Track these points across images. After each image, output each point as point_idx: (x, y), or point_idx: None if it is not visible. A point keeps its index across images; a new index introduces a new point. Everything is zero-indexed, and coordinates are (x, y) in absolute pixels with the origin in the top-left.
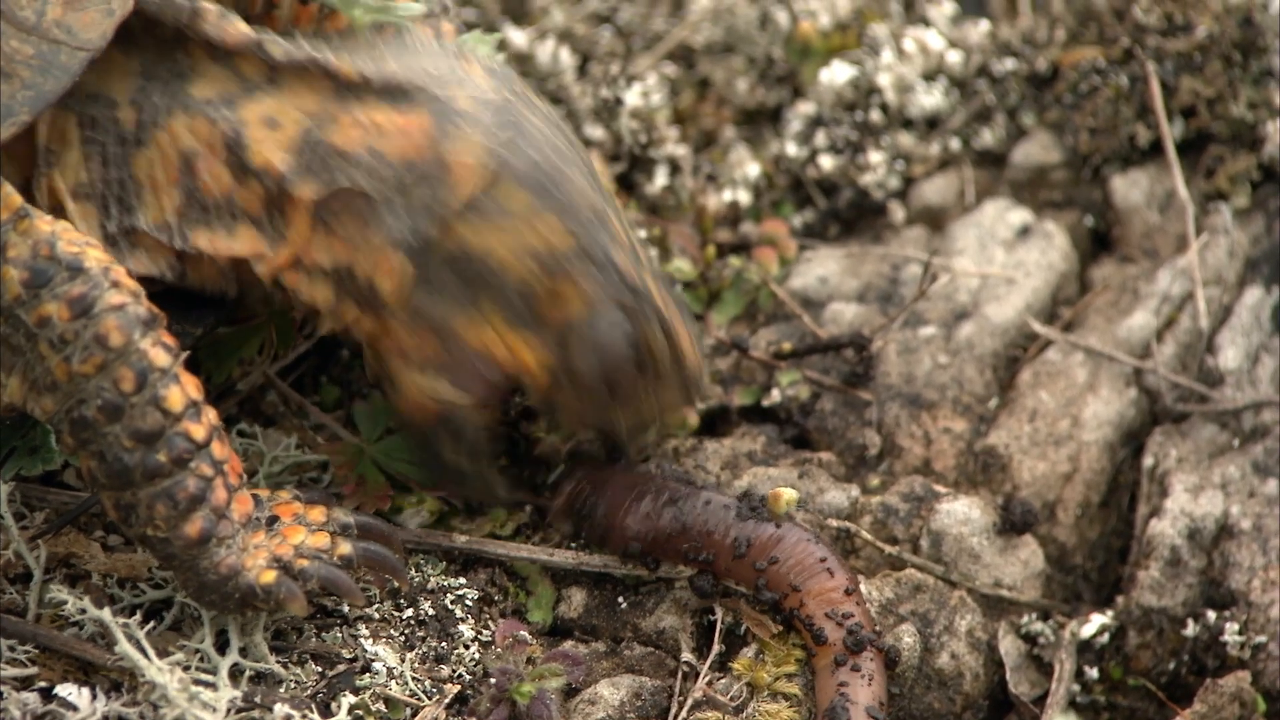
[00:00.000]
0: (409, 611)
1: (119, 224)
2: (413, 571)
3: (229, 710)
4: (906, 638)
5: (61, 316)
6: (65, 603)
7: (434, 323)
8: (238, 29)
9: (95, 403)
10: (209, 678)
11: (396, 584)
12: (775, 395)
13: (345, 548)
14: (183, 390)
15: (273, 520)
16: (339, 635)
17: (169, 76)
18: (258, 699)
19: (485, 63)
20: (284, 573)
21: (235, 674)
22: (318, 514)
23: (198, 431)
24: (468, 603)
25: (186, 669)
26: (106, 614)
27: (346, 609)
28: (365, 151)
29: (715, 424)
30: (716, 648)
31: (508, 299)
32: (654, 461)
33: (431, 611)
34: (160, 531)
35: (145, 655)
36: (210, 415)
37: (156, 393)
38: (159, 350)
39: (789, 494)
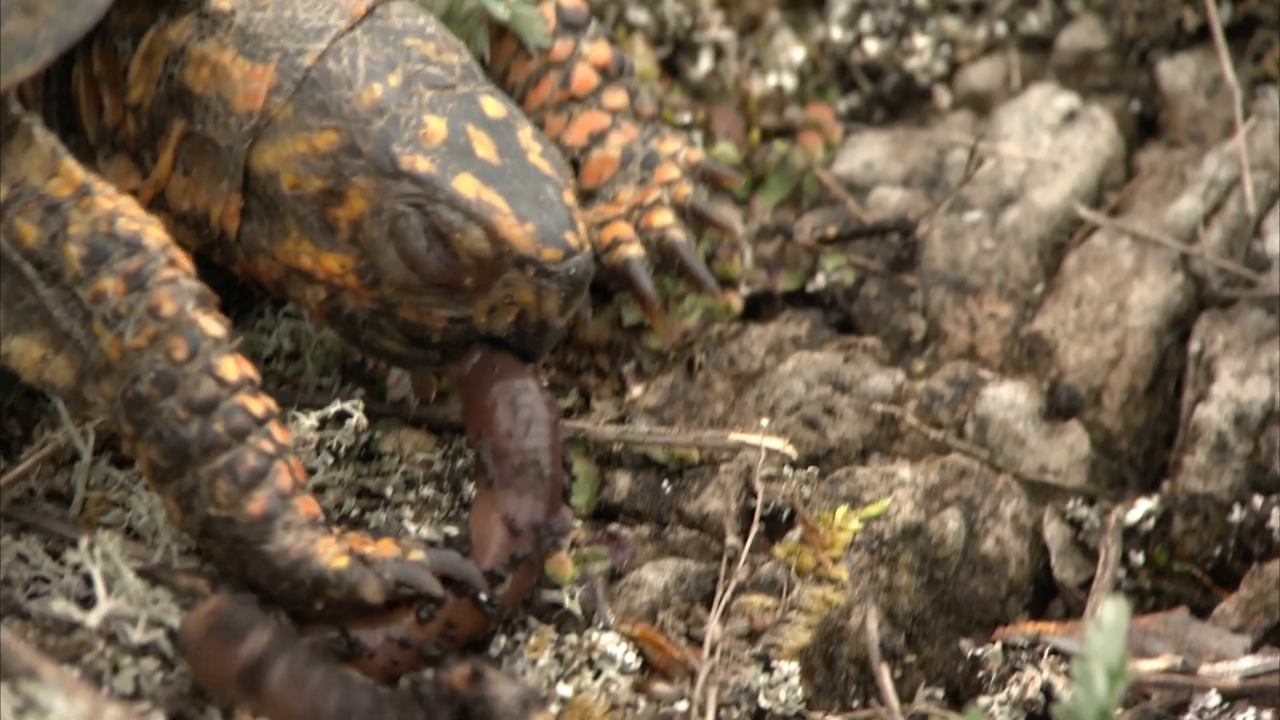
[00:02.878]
0: (453, 494)
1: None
2: (457, 456)
3: None
4: (951, 523)
5: (116, 291)
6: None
7: (268, 253)
8: None
9: (149, 376)
10: None
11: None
12: (820, 280)
13: (418, 554)
14: (238, 364)
15: (343, 538)
16: (382, 517)
17: None
18: None
19: None
20: (358, 559)
21: None
22: (386, 543)
23: (256, 407)
24: None
25: None
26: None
27: (389, 493)
28: (215, 98)
29: (759, 309)
30: (756, 527)
31: (298, 212)
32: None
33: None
34: (223, 510)
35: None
36: (269, 401)
37: (210, 361)
38: (212, 321)
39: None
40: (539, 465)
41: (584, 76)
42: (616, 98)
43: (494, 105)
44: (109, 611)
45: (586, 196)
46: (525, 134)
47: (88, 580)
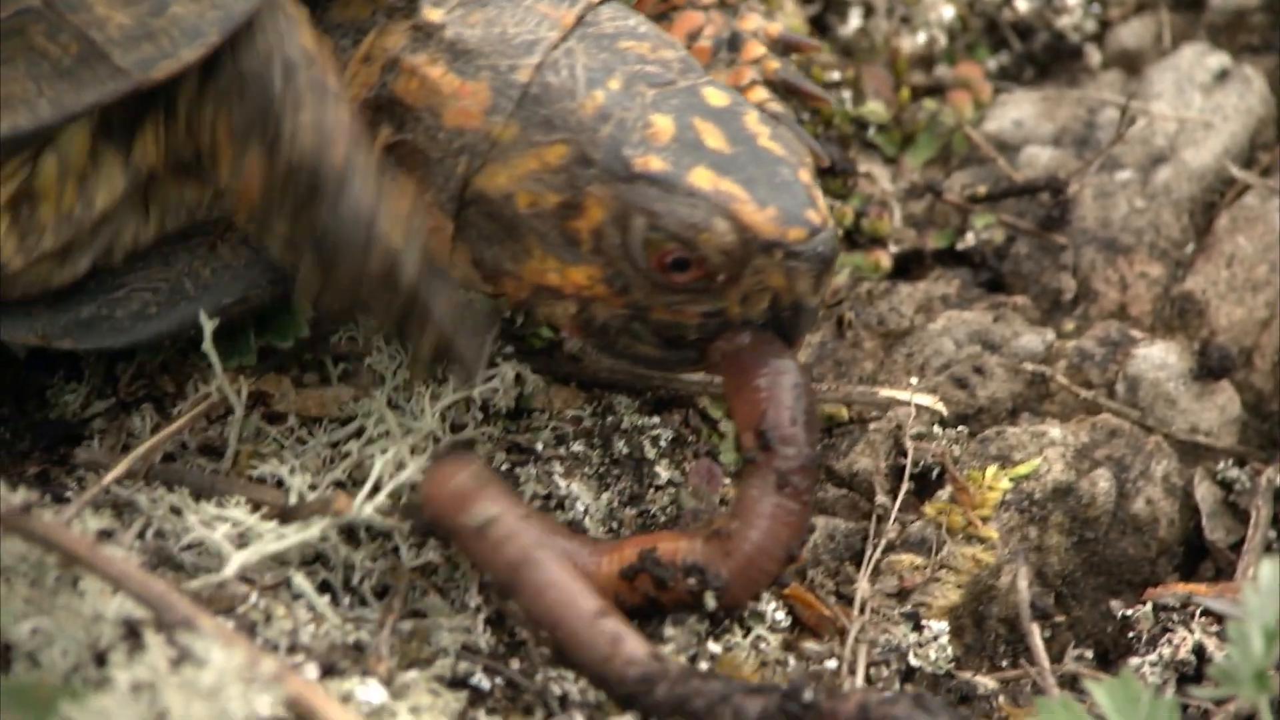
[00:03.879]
0: (603, 450)
1: None
2: (607, 412)
3: None
4: (1102, 482)
5: None
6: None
7: (513, 275)
8: None
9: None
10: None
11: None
12: (969, 238)
13: None
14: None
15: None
16: (533, 471)
17: None
18: None
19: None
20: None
21: None
22: None
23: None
24: (662, 443)
25: None
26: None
27: (539, 448)
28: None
29: (909, 267)
30: (906, 486)
31: (538, 230)
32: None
33: (626, 451)
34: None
35: None
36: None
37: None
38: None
39: None
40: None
41: None
42: None
43: (717, 95)
44: (241, 564)
45: None
46: (751, 119)
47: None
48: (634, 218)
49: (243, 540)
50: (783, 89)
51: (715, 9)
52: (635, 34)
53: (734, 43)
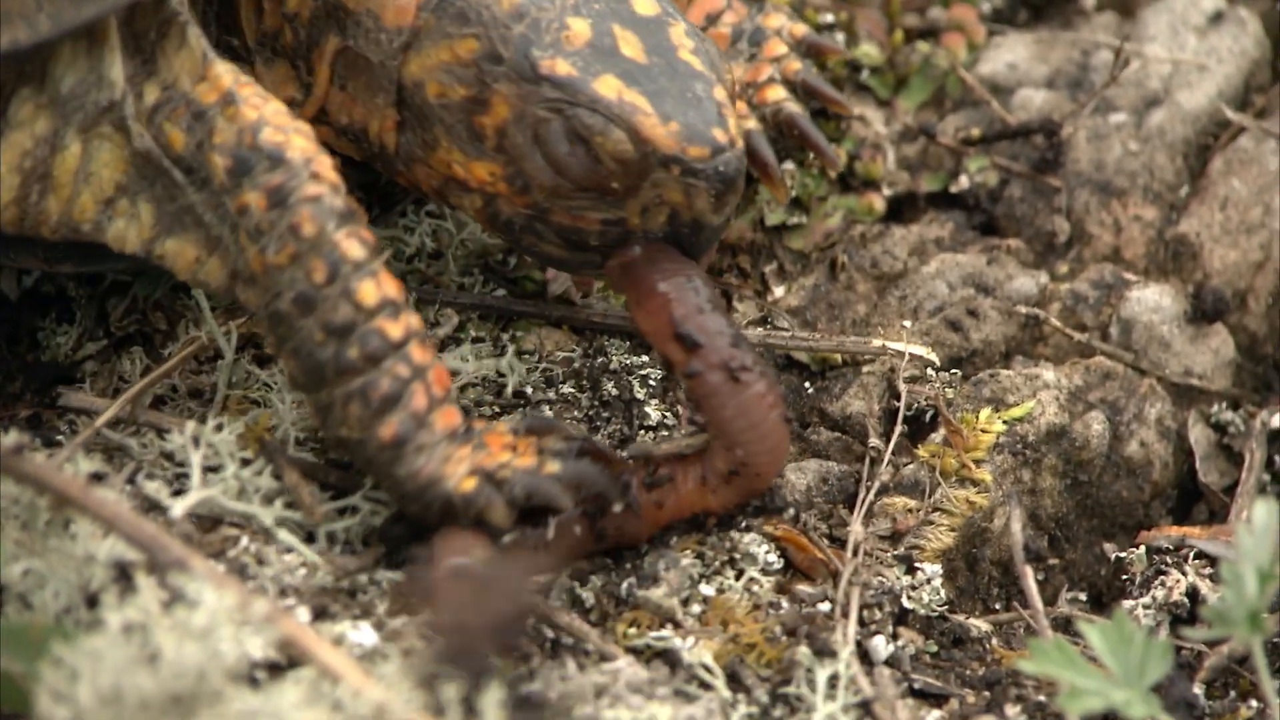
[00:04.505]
0: (592, 392)
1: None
2: (597, 354)
3: None
4: (1095, 425)
5: (259, 206)
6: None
7: (423, 162)
8: None
9: (289, 295)
10: None
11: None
12: (963, 181)
13: (554, 466)
14: (378, 287)
15: (482, 445)
16: (525, 415)
17: None
18: None
19: None
20: (486, 480)
21: None
22: (527, 444)
23: (393, 330)
24: (651, 383)
25: None
26: None
27: (530, 391)
28: (365, 14)
29: (902, 210)
30: (899, 429)
31: (445, 121)
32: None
33: (615, 392)
34: (354, 433)
35: None
36: (412, 319)
37: (348, 285)
38: (353, 243)
39: None
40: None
41: None
42: None
43: (645, 3)
44: (199, 500)
45: None
46: (677, 30)
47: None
48: (535, 122)
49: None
50: (802, 90)
51: None
52: None
53: (756, 37)
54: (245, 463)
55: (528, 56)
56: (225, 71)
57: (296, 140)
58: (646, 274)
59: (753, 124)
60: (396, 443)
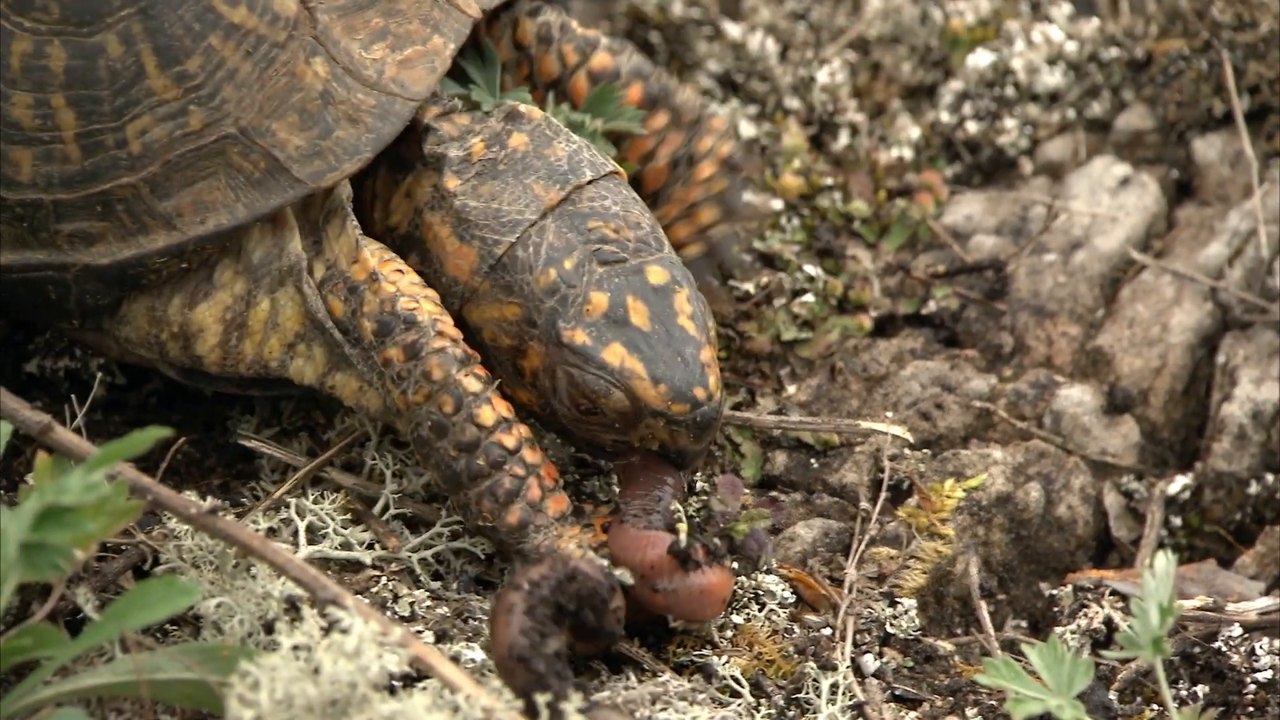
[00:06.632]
0: None
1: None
2: None
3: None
4: (1034, 492)
5: (399, 359)
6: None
7: None
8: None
9: (427, 424)
10: None
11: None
12: (932, 305)
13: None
14: (494, 409)
15: (589, 525)
16: (596, 483)
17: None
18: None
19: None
20: (588, 553)
21: None
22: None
23: (508, 440)
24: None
25: None
26: None
27: (602, 464)
28: (434, 257)
29: (885, 328)
30: (884, 495)
31: (497, 358)
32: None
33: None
34: (488, 522)
35: None
36: (521, 429)
37: (471, 412)
38: (471, 380)
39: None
40: (663, 511)
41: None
42: (658, 120)
43: (658, 273)
44: (307, 555)
45: (652, 200)
46: (681, 297)
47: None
48: (558, 374)
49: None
50: (723, 208)
51: (668, 130)
52: (606, 214)
53: (691, 159)
54: (347, 524)
55: (555, 326)
56: (371, 254)
57: (425, 306)
58: (638, 472)
59: (695, 250)
60: (520, 525)
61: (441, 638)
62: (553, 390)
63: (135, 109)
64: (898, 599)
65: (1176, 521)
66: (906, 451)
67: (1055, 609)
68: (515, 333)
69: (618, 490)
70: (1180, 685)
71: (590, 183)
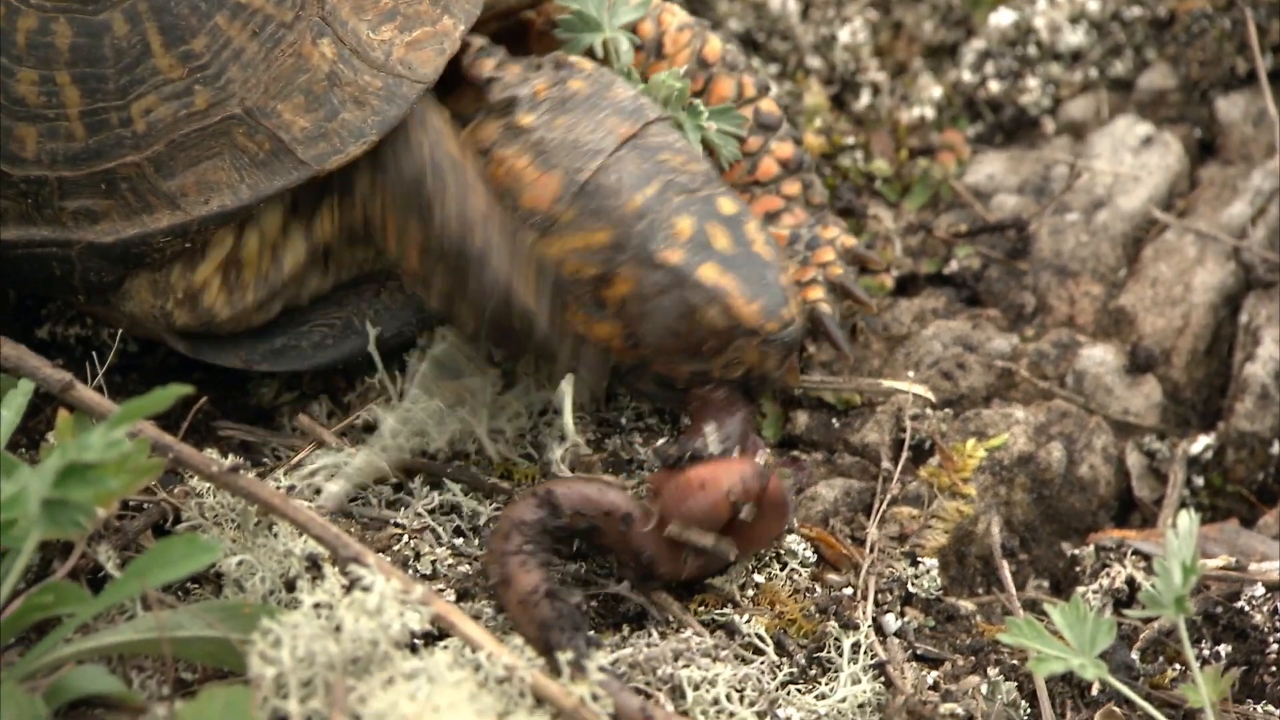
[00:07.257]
0: (673, 425)
1: None
2: None
3: None
4: (1055, 452)
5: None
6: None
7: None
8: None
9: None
10: None
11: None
12: (953, 265)
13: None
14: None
15: None
16: (617, 441)
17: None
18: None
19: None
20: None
21: None
22: None
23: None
24: None
25: None
26: None
27: (623, 422)
28: (506, 191)
29: (907, 287)
30: (905, 455)
31: (575, 292)
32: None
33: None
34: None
35: None
36: None
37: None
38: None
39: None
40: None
41: (767, 167)
42: (792, 187)
43: (728, 204)
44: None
45: None
46: (752, 227)
47: (398, 494)
48: (650, 298)
49: (395, 496)
50: (840, 291)
51: (796, 203)
52: (673, 148)
53: (812, 243)
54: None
55: (647, 248)
56: None
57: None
58: (712, 408)
59: (820, 293)
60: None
61: (463, 596)
62: (642, 316)
63: (140, 87)
64: (919, 558)
65: (1199, 481)
66: (928, 411)
67: (1077, 569)
68: (602, 260)
69: (686, 426)
70: (1203, 645)
71: (653, 122)
